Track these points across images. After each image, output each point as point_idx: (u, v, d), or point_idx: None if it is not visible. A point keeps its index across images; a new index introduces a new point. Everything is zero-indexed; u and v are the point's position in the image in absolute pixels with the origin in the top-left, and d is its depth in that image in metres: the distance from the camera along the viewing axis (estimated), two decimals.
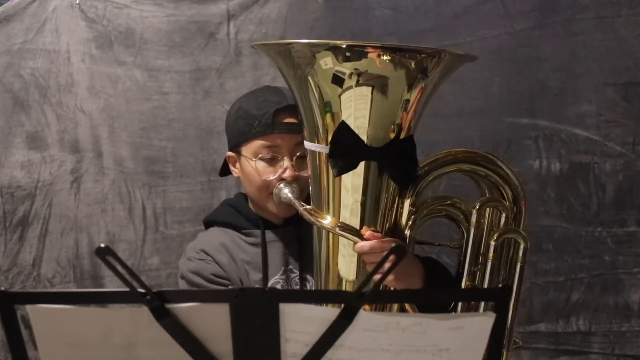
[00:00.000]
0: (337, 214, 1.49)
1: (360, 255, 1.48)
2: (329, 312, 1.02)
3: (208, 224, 1.81)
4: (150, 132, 2.47)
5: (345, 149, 1.44)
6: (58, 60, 2.41)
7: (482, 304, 1.49)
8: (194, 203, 2.50)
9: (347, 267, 1.51)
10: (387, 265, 1.40)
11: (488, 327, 1.03)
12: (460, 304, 1.52)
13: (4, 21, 2.37)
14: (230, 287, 1.64)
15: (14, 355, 1.03)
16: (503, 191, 1.55)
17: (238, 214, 1.76)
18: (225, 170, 1.81)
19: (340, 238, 1.50)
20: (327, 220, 1.50)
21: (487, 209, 1.54)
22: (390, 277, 1.39)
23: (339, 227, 1.48)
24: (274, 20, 2.46)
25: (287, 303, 1.00)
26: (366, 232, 1.46)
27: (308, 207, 1.54)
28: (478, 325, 1.04)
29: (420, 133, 2.40)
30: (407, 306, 1.48)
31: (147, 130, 2.47)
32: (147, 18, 2.44)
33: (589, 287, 2.44)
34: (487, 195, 1.56)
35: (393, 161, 1.46)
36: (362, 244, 1.45)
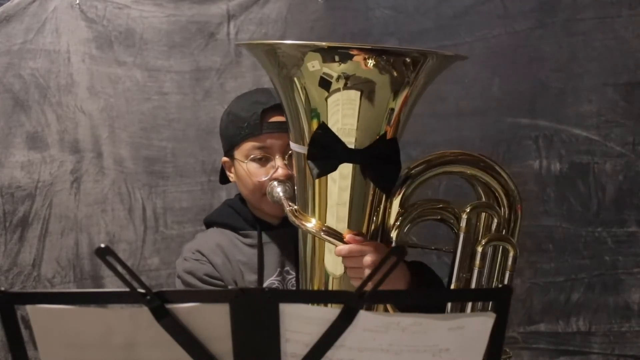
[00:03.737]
0: (322, 217, 1.46)
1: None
2: (329, 313, 1.01)
3: (208, 224, 1.81)
4: (150, 132, 2.48)
5: (325, 151, 1.41)
6: (58, 61, 2.41)
7: (470, 305, 1.46)
8: (194, 203, 2.50)
9: (334, 263, 1.48)
10: (367, 268, 1.38)
11: (488, 327, 1.03)
12: (449, 306, 1.48)
13: (4, 21, 2.37)
14: (224, 288, 1.65)
15: (14, 355, 1.03)
16: (497, 194, 1.50)
17: (237, 214, 1.76)
18: (224, 177, 1.81)
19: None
20: (312, 224, 1.47)
21: (483, 214, 1.49)
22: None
23: (323, 231, 1.45)
24: (274, 21, 2.46)
25: (287, 303, 1.00)
26: (347, 235, 1.44)
27: (295, 207, 1.52)
28: (478, 325, 1.04)
29: (420, 133, 2.43)
30: (388, 307, 1.44)
31: (147, 131, 2.47)
32: (147, 18, 2.44)
33: (589, 287, 2.44)
34: (484, 199, 1.52)
35: (375, 164, 1.42)
36: (341, 248, 1.43)
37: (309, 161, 1.42)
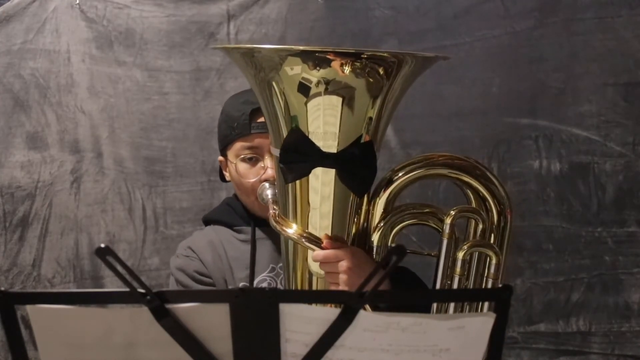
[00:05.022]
0: (303, 222, 1.44)
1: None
2: (329, 312, 1.01)
3: (206, 222, 1.82)
4: (150, 132, 2.48)
5: (298, 155, 1.38)
6: (58, 61, 2.41)
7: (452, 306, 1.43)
8: (194, 203, 2.50)
9: (316, 269, 1.45)
10: (343, 274, 1.37)
11: (488, 327, 1.03)
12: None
13: (4, 21, 2.38)
14: (212, 285, 1.65)
15: (14, 355, 1.03)
16: (486, 200, 1.45)
17: (232, 211, 1.76)
18: (224, 176, 1.81)
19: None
20: (292, 230, 1.44)
21: (473, 221, 1.46)
22: (346, 283, 1.37)
23: (304, 237, 1.42)
24: (274, 21, 2.46)
25: (288, 303, 1.00)
26: (324, 240, 1.42)
27: (278, 211, 1.48)
28: (478, 325, 1.04)
29: (420, 133, 2.43)
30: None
31: (147, 131, 2.48)
32: (147, 18, 2.44)
33: (589, 287, 2.44)
34: (473, 202, 1.47)
35: (349, 167, 1.38)
36: (317, 253, 1.41)
37: (281, 165, 1.40)
